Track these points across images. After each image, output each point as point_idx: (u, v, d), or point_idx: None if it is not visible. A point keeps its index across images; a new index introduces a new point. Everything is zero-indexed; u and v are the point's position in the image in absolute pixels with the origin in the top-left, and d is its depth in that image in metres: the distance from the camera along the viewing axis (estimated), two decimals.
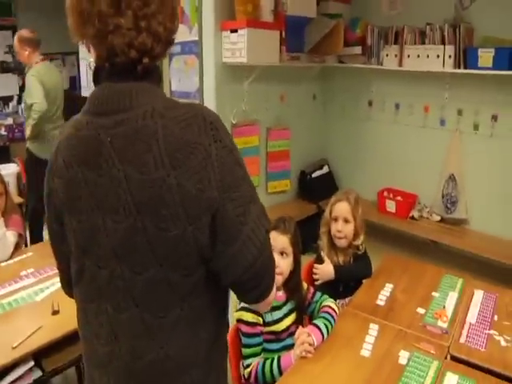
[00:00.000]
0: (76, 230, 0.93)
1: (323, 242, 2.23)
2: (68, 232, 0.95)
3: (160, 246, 0.85)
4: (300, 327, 1.65)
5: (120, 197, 0.85)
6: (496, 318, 1.84)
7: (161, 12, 0.85)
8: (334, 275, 2.09)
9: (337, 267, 2.12)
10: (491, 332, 1.74)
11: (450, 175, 3.64)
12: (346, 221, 2.16)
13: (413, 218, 3.74)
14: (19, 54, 3.77)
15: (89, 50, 0.91)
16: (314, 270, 2.13)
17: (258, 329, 1.66)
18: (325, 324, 1.64)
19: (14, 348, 1.62)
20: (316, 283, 2.11)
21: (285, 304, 1.76)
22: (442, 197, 3.72)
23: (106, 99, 0.87)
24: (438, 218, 3.72)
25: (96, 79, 0.91)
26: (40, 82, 3.60)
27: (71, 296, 1.06)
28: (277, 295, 1.69)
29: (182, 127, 0.84)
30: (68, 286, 1.05)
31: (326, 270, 2.11)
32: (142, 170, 0.83)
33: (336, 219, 2.18)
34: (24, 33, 3.74)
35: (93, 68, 0.92)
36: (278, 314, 1.73)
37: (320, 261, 2.15)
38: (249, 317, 1.64)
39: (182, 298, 0.89)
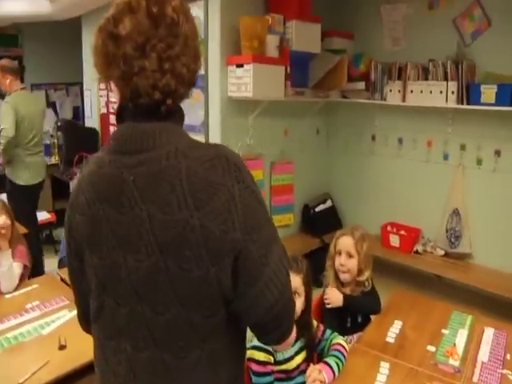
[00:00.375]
0: (96, 267, 0.93)
1: (329, 275, 2.22)
2: (88, 268, 0.95)
3: (182, 286, 0.85)
4: (311, 365, 1.63)
5: (142, 236, 0.85)
6: (508, 356, 1.81)
7: (184, 54, 0.87)
8: (343, 302, 2.09)
9: (346, 295, 2.11)
10: (504, 372, 1.71)
11: (454, 210, 3.65)
12: (350, 255, 2.16)
13: (417, 252, 3.73)
14: (0, 83, 3.87)
15: (110, 89, 0.93)
16: (325, 296, 2.13)
17: (269, 368, 1.63)
18: (336, 362, 1.62)
19: None
20: (327, 306, 2.10)
21: (295, 342, 1.74)
22: (446, 231, 3.71)
23: (129, 138, 0.88)
24: (442, 253, 3.71)
25: (119, 118, 0.93)
26: (14, 109, 3.69)
27: (89, 332, 1.05)
28: None
29: (206, 168, 0.85)
30: (86, 322, 1.05)
31: (335, 295, 2.10)
32: (166, 210, 0.83)
33: (340, 253, 2.18)
34: (5, 62, 3.88)
35: (116, 107, 0.94)
36: (289, 353, 1.70)
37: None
38: (260, 356, 1.62)
39: (203, 339, 0.88)
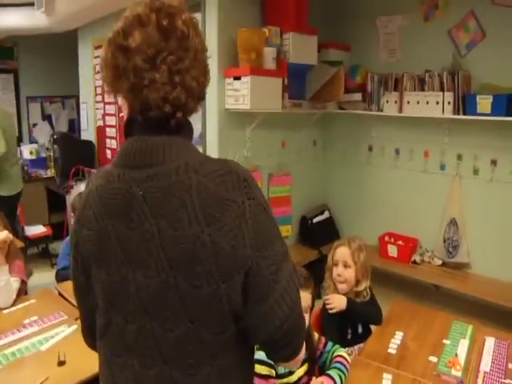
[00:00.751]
0: (104, 283, 0.92)
1: (328, 286, 2.23)
2: (95, 284, 0.94)
3: (192, 303, 0.84)
4: (314, 378, 1.61)
5: (152, 252, 0.84)
6: (510, 366, 1.81)
7: (194, 67, 0.87)
8: (346, 306, 2.07)
9: (349, 299, 2.11)
10: (507, 381, 1.70)
11: (452, 219, 3.66)
12: (346, 265, 2.17)
13: (415, 262, 3.73)
14: None
15: (117, 102, 0.93)
16: (327, 301, 2.11)
17: (272, 382, 1.61)
18: (338, 374, 1.60)
19: None
20: (330, 311, 2.08)
21: None
22: (444, 241, 3.72)
23: (138, 152, 0.87)
24: (440, 262, 3.71)
25: (128, 131, 0.92)
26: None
27: (94, 348, 1.04)
28: None
29: (216, 183, 0.84)
30: (91, 338, 1.04)
31: (338, 299, 2.10)
32: (176, 226, 0.82)
33: (337, 264, 2.19)
34: None
35: (124, 120, 0.93)
36: None
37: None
38: (262, 369, 1.60)
39: (213, 356, 0.87)
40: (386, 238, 3.92)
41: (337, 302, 2.09)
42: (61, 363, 1.78)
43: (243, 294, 0.85)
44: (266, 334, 0.88)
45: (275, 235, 0.89)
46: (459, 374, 1.75)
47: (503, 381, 1.71)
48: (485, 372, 1.77)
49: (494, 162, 3.39)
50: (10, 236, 2.48)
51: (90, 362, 1.82)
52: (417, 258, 3.75)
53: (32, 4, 4.44)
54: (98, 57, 4.98)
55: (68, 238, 2.99)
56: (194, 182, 0.83)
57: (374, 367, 1.78)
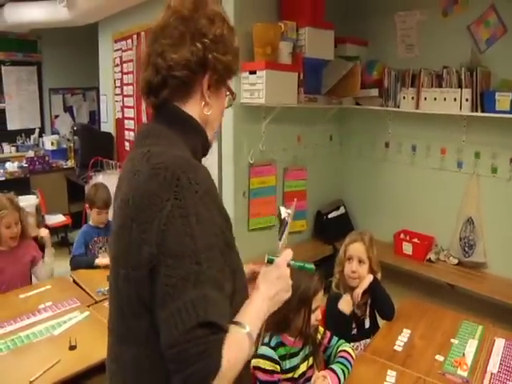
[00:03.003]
0: None
1: (337, 280, 2.22)
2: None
3: (118, 284, 0.92)
4: (316, 371, 1.63)
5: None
6: None
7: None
8: (372, 280, 2.11)
9: (375, 278, 2.13)
10: None
11: (468, 218, 3.61)
12: (361, 261, 2.16)
13: (430, 260, 3.69)
14: None
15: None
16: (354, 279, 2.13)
17: (276, 377, 1.62)
18: (341, 369, 1.61)
19: (31, 382, 1.63)
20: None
21: (301, 350, 1.73)
22: (460, 240, 3.67)
23: (135, 135, 0.99)
24: (456, 261, 3.66)
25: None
26: None
27: None
28: (294, 342, 1.68)
29: (151, 175, 0.85)
30: None
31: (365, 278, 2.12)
32: (119, 208, 0.92)
33: (350, 259, 2.17)
34: None
35: None
36: (295, 361, 1.70)
37: (334, 298, 2.14)
38: (266, 364, 1.60)
39: (136, 341, 0.91)
40: (402, 236, 3.89)
41: (364, 282, 2.11)
42: (72, 347, 1.84)
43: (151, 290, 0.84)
44: (162, 346, 0.81)
45: (188, 252, 0.81)
46: (465, 373, 1.74)
47: (511, 383, 1.69)
48: (492, 373, 1.75)
49: None
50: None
51: (99, 347, 1.87)
52: (432, 256, 3.72)
53: None
54: (117, 50, 5.05)
55: (84, 227, 3.07)
56: (140, 170, 0.87)
57: (379, 364, 1.78)
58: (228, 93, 1.06)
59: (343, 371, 1.61)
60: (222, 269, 0.85)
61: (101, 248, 2.98)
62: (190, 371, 0.77)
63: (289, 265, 1.04)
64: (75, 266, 2.82)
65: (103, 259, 2.75)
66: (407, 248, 3.79)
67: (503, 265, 3.45)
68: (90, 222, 3.06)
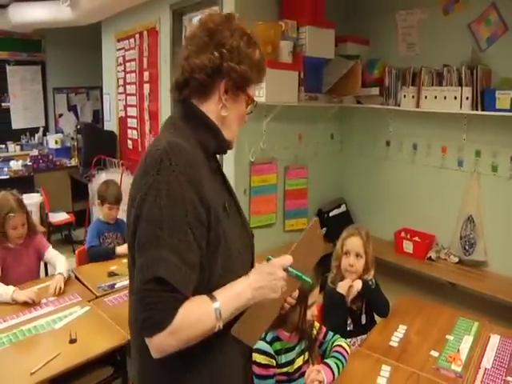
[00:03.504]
0: None
1: (334, 275, 2.24)
2: None
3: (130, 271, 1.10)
4: (310, 365, 1.65)
5: None
6: None
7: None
8: (362, 285, 2.12)
9: (364, 280, 2.14)
10: (508, 379, 1.71)
11: (468, 217, 3.61)
12: (358, 255, 2.17)
13: (430, 258, 3.69)
14: None
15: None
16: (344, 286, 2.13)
17: (272, 371, 1.64)
18: (336, 363, 1.63)
19: (31, 374, 1.67)
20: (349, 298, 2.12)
21: (297, 344, 1.75)
22: (460, 238, 3.67)
23: None
24: (456, 260, 3.66)
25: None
26: None
27: None
28: (289, 337, 1.70)
29: (147, 156, 1.03)
30: None
31: (354, 285, 2.13)
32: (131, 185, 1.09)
33: (347, 253, 2.19)
34: None
35: None
36: (290, 355, 1.72)
37: (330, 293, 2.16)
38: (261, 359, 1.63)
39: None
40: (402, 234, 3.89)
41: (352, 291, 2.12)
42: (72, 341, 1.89)
43: None
44: None
45: (156, 216, 0.97)
46: (459, 369, 1.76)
47: (504, 378, 1.71)
48: (486, 368, 1.77)
49: None
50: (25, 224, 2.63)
51: (99, 340, 1.93)
52: (433, 254, 3.72)
53: None
54: (120, 49, 5.09)
55: (95, 221, 3.13)
56: (146, 154, 1.05)
57: (373, 359, 1.80)
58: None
59: (337, 365, 1.64)
60: (185, 240, 0.97)
61: (110, 244, 3.03)
62: (143, 317, 0.94)
63: (286, 270, 1.08)
64: (94, 255, 2.89)
65: (122, 247, 2.81)
66: (408, 246, 3.80)
67: (504, 263, 3.45)
68: (101, 217, 3.11)
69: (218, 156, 1.21)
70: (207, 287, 1.02)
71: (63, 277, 2.48)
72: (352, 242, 2.20)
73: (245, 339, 1.08)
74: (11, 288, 2.27)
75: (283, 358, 1.70)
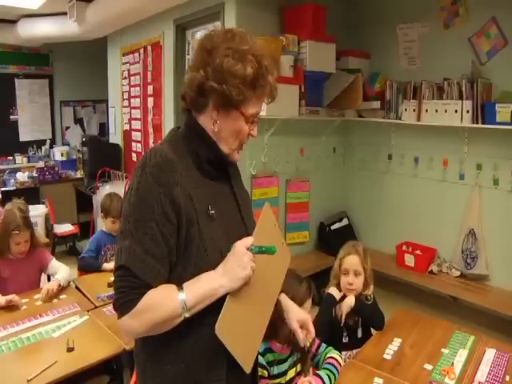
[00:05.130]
0: None
1: (333, 293, 2.22)
2: None
3: None
4: (302, 377, 1.65)
5: None
6: (508, 378, 1.79)
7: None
8: (355, 302, 2.12)
9: (357, 297, 2.14)
10: None
11: (470, 230, 3.60)
12: (356, 273, 2.18)
13: (432, 272, 3.68)
14: None
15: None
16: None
17: (264, 382, 1.65)
18: (327, 374, 1.64)
19: (29, 381, 1.69)
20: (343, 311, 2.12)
21: (289, 356, 1.76)
22: (462, 252, 3.66)
23: None
24: (458, 274, 3.64)
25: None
26: None
27: None
28: (282, 349, 1.71)
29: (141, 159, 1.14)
30: None
31: (346, 301, 2.13)
32: None
33: (346, 273, 2.19)
34: None
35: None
36: (283, 367, 1.73)
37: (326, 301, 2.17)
38: None
39: None
40: (404, 247, 3.89)
41: (346, 303, 2.13)
42: (70, 349, 1.91)
43: None
44: None
45: (126, 211, 1.08)
46: (452, 382, 1.75)
47: None
48: (479, 382, 1.76)
49: None
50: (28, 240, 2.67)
51: (96, 349, 1.95)
52: (434, 268, 3.70)
53: (65, 13, 4.67)
54: (125, 63, 5.18)
55: (98, 232, 3.16)
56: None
57: (366, 371, 1.80)
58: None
59: (329, 377, 1.64)
60: (150, 233, 1.05)
61: (113, 255, 3.06)
62: (114, 300, 1.06)
63: (250, 249, 1.08)
64: (83, 265, 2.95)
65: (109, 264, 2.84)
66: (409, 260, 3.79)
67: (506, 277, 3.43)
68: (104, 229, 3.15)
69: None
70: (180, 283, 1.06)
71: (58, 283, 2.52)
72: (350, 261, 2.20)
73: (229, 344, 1.05)
74: None
75: (276, 370, 1.70)
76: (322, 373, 1.65)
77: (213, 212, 1.12)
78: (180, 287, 1.05)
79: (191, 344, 1.11)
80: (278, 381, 1.71)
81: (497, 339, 2.14)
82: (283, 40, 3.31)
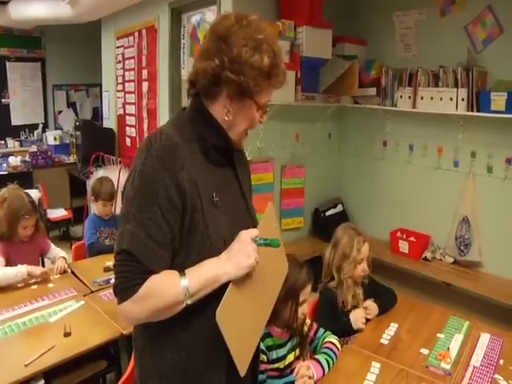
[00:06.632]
0: None
1: (348, 284, 2.17)
2: None
3: None
4: (300, 361, 1.66)
5: None
6: (502, 362, 1.82)
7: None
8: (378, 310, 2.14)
9: (379, 304, 2.16)
10: (496, 376, 1.73)
11: (464, 217, 3.63)
12: (367, 260, 2.21)
13: (426, 259, 3.72)
14: None
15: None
16: (367, 311, 2.12)
17: (263, 366, 1.64)
18: (326, 359, 1.65)
19: (26, 365, 1.69)
20: (368, 317, 2.12)
21: (288, 341, 1.77)
22: (456, 239, 3.69)
23: None
24: (452, 260, 3.68)
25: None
26: None
27: None
28: (281, 333, 1.72)
29: (143, 141, 1.12)
30: None
31: (374, 307, 2.15)
32: None
33: (362, 260, 2.18)
34: None
35: None
36: (282, 352, 1.74)
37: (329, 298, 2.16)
38: None
39: None
40: (398, 234, 3.92)
41: (374, 310, 2.13)
42: (66, 334, 1.91)
43: None
44: None
45: (129, 194, 1.06)
46: (448, 366, 1.78)
47: (492, 375, 1.73)
48: (474, 366, 1.79)
49: (508, 161, 3.33)
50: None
51: (93, 334, 1.95)
52: (428, 254, 3.74)
53: None
54: (120, 47, 5.11)
55: (91, 215, 3.18)
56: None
57: (364, 355, 1.82)
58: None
59: (327, 361, 1.65)
60: (154, 218, 1.03)
61: (106, 238, 3.07)
62: (114, 284, 1.05)
63: (254, 241, 1.08)
64: (98, 249, 2.94)
65: None
66: (403, 246, 3.82)
67: (498, 264, 3.47)
68: (96, 212, 3.15)
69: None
70: (182, 270, 1.05)
71: (65, 260, 2.65)
72: (366, 249, 2.20)
73: (226, 333, 1.03)
74: (21, 265, 2.39)
75: (274, 354, 1.71)
76: (320, 357, 1.67)
77: (217, 199, 1.11)
78: (182, 273, 1.04)
79: (191, 332, 1.10)
80: (276, 365, 1.72)
81: (490, 324, 2.18)
82: (279, 25, 3.28)
